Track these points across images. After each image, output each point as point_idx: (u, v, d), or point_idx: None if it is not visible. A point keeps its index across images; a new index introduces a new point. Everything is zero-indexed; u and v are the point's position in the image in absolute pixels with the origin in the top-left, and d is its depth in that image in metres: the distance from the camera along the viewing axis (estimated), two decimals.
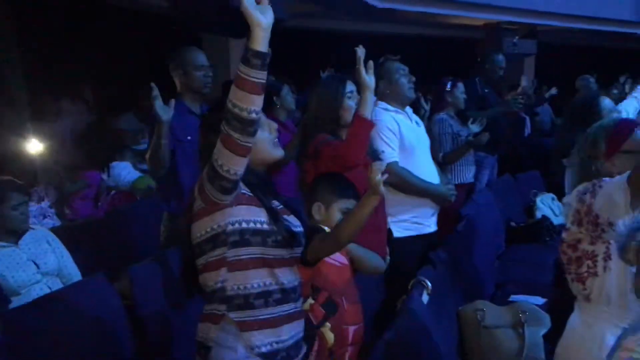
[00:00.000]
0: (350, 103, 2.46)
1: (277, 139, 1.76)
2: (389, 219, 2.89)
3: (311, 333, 1.87)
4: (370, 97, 2.37)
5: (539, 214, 4.46)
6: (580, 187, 1.87)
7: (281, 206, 1.76)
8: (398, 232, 2.90)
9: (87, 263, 2.92)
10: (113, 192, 4.00)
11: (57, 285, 2.55)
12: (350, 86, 2.49)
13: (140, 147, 4.93)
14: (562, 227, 4.39)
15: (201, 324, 1.68)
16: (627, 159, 1.84)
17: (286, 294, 1.68)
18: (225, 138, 1.52)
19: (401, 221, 2.92)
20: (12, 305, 2.39)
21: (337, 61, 5.43)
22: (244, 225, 1.63)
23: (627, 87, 5.89)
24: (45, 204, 3.46)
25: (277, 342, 1.65)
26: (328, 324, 1.93)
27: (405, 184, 2.90)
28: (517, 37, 6.16)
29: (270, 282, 1.65)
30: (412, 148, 2.94)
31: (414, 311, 2.18)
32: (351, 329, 1.99)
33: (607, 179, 1.81)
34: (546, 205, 4.53)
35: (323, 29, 6.47)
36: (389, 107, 3.00)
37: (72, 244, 2.86)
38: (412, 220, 2.95)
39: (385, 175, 1.68)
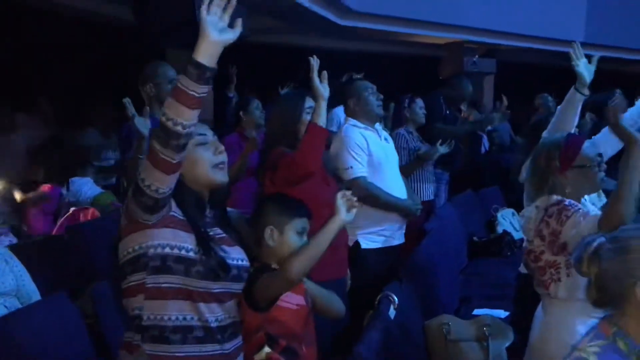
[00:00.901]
0: (309, 118, 2.47)
1: (222, 163, 1.61)
2: (357, 232, 2.93)
3: None
4: (323, 105, 2.38)
5: (500, 229, 4.56)
6: (540, 204, 1.96)
7: (224, 235, 1.62)
8: (366, 244, 2.96)
9: (47, 281, 2.83)
10: (73, 208, 3.90)
11: (15, 305, 2.45)
12: (309, 102, 2.52)
13: (103, 164, 4.85)
14: (523, 241, 4.50)
15: (120, 351, 1.56)
16: (579, 173, 1.97)
17: (210, 333, 1.53)
18: (151, 152, 1.42)
19: (369, 233, 2.99)
20: None
21: (304, 77, 5.47)
22: (167, 250, 1.48)
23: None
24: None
25: None
26: None
27: (372, 197, 2.96)
28: (477, 56, 6.34)
29: (191, 316, 1.51)
30: (379, 164, 3.02)
31: (382, 326, 2.20)
32: None
33: (570, 202, 1.90)
34: (507, 220, 4.64)
35: (291, 44, 6.52)
36: (358, 124, 3.08)
37: (31, 261, 2.77)
38: (380, 233, 3.02)
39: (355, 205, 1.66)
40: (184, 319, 1.51)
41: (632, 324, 1.25)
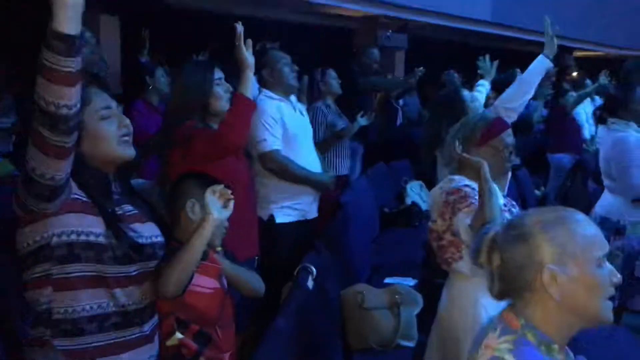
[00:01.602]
0: (219, 90, 2.37)
1: (127, 136, 1.51)
2: (272, 206, 2.94)
3: None
4: (250, 75, 2.30)
5: (408, 200, 4.74)
6: (443, 184, 2.06)
7: (135, 211, 1.53)
8: (280, 217, 2.97)
9: None
10: None
11: None
12: (218, 73, 2.39)
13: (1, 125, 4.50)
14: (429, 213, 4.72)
15: (27, 348, 1.46)
16: (491, 153, 2.05)
17: (129, 318, 1.46)
18: (34, 136, 1.26)
19: (284, 207, 2.99)
20: None
21: (213, 44, 5.32)
22: (73, 237, 1.39)
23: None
24: None
25: None
26: (201, 358, 1.73)
27: (286, 171, 2.96)
28: (390, 31, 6.45)
29: (107, 303, 1.43)
30: (294, 137, 3.01)
31: (300, 297, 2.24)
32: (226, 356, 1.81)
33: (466, 192, 1.94)
34: (415, 192, 4.83)
35: (202, 9, 6.30)
36: (273, 95, 3.03)
37: None
38: (294, 207, 3.03)
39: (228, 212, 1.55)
40: (99, 307, 1.43)
41: (538, 312, 1.18)
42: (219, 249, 1.87)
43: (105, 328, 1.44)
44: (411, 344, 2.67)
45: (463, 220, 1.88)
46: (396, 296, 2.70)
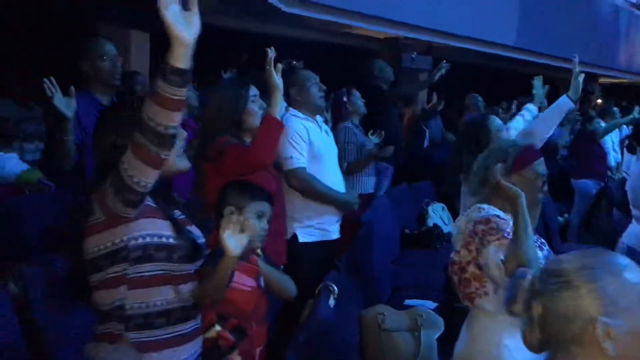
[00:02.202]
0: (254, 107, 2.46)
1: (184, 149, 1.69)
2: (295, 224, 2.95)
3: None
4: (279, 98, 2.41)
5: (430, 222, 4.72)
6: (471, 214, 1.95)
7: (182, 216, 1.68)
8: (303, 237, 2.98)
9: None
10: None
11: None
12: (253, 90, 2.49)
13: (27, 135, 4.58)
14: (451, 236, 4.68)
15: (94, 343, 1.57)
16: (523, 182, 1.95)
17: (188, 312, 1.62)
18: (138, 149, 1.42)
19: (307, 226, 3.00)
20: None
21: (241, 62, 5.39)
22: (148, 239, 1.54)
23: (513, 107, 6.41)
24: None
25: None
26: (237, 350, 1.89)
27: (310, 190, 2.98)
28: (415, 53, 6.48)
29: (173, 299, 1.58)
30: (320, 156, 3.03)
31: (322, 315, 2.24)
32: (257, 350, 1.97)
33: (496, 224, 1.84)
34: (437, 214, 4.81)
35: (228, 27, 6.40)
36: (299, 114, 3.07)
37: None
38: (317, 226, 3.03)
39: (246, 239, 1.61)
40: (167, 302, 1.57)
41: None
42: (259, 251, 2.03)
43: (172, 322, 1.57)
44: None
45: (494, 255, 1.78)
46: (417, 319, 2.68)
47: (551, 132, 2.92)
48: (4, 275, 2.51)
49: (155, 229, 1.55)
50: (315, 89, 3.10)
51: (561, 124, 4.21)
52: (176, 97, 1.38)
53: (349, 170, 3.99)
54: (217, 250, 1.70)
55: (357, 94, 4.25)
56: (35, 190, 3.69)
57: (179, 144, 1.64)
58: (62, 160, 2.67)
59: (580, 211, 6.08)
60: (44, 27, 5.51)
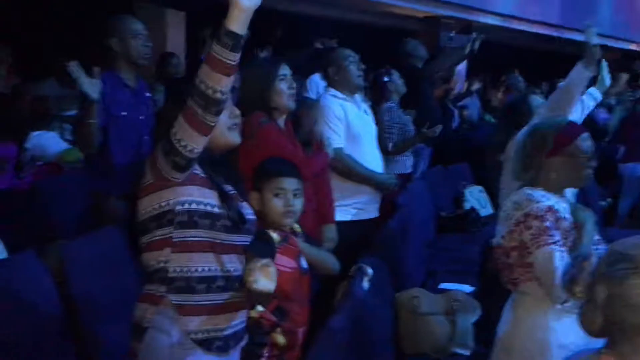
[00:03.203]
0: (283, 86, 2.40)
1: (236, 125, 1.69)
2: None
3: (263, 339, 1.88)
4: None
5: (467, 205, 4.64)
6: (518, 199, 1.89)
7: (234, 191, 1.70)
8: (339, 216, 2.95)
9: (9, 238, 2.75)
10: (40, 162, 3.76)
11: None
12: (284, 69, 2.43)
13: (67, 114, 4.67)
14: (489, 218, 4.58)
15: (139, 304, 1.62)
16: (567, 162, 1.90)
17: (230, 282, 1.63)
18: (188, 114, 1.47)
19: (343, 206, 2.96)
20: None
21: (276, 41, 5.36)
22: (194, 206, 1.57)
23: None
24: None
25: (214, 330, 1.60)
26: (279, 328, 1.91)
27: (348, 170, 2.95)
28: (454, 32, 6.33)
29: (215, 267, 1.60)
30: (358, 136, 3.00)
31: (357, 298, 2.21)
32: (300, 330, 1.98)
33: (551, 224, 1.80)
34: (474, 197, 4.72)
35: (264, 7, 6.38)
36: (338, 94, 3.03)
37: None
38: (354, 206, 3.01)
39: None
40: (209, 269, 1.59)
41: None
42: (299, 230, 2.04)
43: (212, 289, 1.60)
44: (467, 352, 2.60)
45: (544, 260, 1.75)
46: (453, 303, 2.64)
47: (573, 103, 2.72)
48: (44, 252, 2.57)
49: (201, 197, 1.58)
50: (354, 68, 3.05)
51: (611, 107, 4.04)
52: (227, 61, 1.41)
53: (395, 150, 3.92)
54: (260, 234, 1.74)
55: (396, 73, 4.19)
56: (74, 168, 3.76)
57: (232, 119, 1.66)
58: (86, 143, 2.68)
59: (628, 196, 5.89)
60: (84, 6, 5.58)
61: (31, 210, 3.28)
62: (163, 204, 1.57)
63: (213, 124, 1.49)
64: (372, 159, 3.07)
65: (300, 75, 5.27)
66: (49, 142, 3.99)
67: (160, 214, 1.57)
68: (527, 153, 1.95)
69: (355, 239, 2.91)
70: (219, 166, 1.69)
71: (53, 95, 4.66)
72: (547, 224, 1.79)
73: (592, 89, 3.17)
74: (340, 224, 2.94)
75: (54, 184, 3.56)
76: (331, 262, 2.11)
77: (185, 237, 1.57)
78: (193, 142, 1.49)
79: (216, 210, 1.60)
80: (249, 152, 2.28)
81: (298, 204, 1.99)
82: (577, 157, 1.90)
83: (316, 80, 5.09)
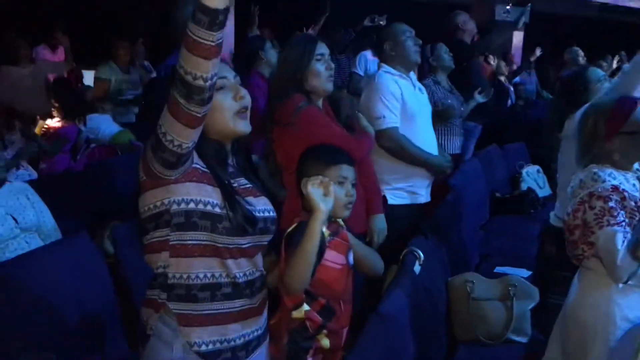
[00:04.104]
0: (319, 66, 2.26)
1: (244, 109, 1.49)
2: (384, 187, 2.84)
3: (308, 344, 1.77)
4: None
5: (524, 186, 4.47)
6: (584, 177, 1.85)
7: (249, 185, 1.54)
8: (392, 199, 2.87)
9: (65, 219, 2.81)
10: (93, 145, 3.84)
11: (35, 241, 2.44)
12: (321, 48, 2.28)
13: (124, 98, 4.76)
14: (547, 199, 4.40)
15: (144, 308, 1.50)
16: (628, 140, 1.82)
17: (238, 289, 1.47)
18: (171, 104, 1.29)
19: (396, 189, 2.88)
20: None
21: (321, 21, 5.27)
22: (192, 206, 1.39)
23: (614, 62, 5.87)
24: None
25: (221, 342, 1.45)
26: (325, 330, 1.79)
27: (402, 151, 2.84)
28: (510, 5, 6.06)
29: (219, 273, 1.44)
30: (413, 115, 2.87)
31: (408, 282, 2.15)
32: (344, 331, 1.86)
33: (615, 204, 1.76)
34: (531, 178, 4.54)
35: None
36: (393, 71, 2.91)
37: (49, 197, 2.74)
38: (407, 189, 2.91)
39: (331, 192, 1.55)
40: (212, 276, 1.44)
41: None
42: (342, 222, 1.88)
43: (217, 297, 1.45)
44: (524, 339, 2.50)
45: (607, 241, 1.72)
46: (510, 288, 2.53)
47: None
48: (98, 233, 2.62)
49: (200, 195, 1.41)
50: (411, 43, 2.92)
51: None
52: (204, 42, 1.21)
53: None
54: (296, 234, 1.63)
55: (443, 47, 3.99)
56: (127, 151, 3.82)
57: (238, 103, 1.48)
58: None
59: None
60: None
61: (86, 192, 3.35)
62: (158, 203, 1.40)
63: (199, 115, 1.30)
64: (427, 140, 2.93)
65: (351, 52, 5.18)
66: (102, 124, 4.08)
67: (156, 214, 1.41)
68: (584, 141, 1.90)
69: (409, 224, 2.82)
70: (235, 156, 1.54)
71: (113, 80, 4.77)
72: (611, 204, 1.75)
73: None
74: (395, 207, 2.86)
75: (108, 166, 3.62)
76: (379, 263, 1.97)
77: (184, 240, 1.41)
78: (180, 137, 1.31)
79: (217, 210, 1.41)
80: (290, 139, 2.19)
81: (355, 194, 1.86)
82: (637, 133, 1.81)
83: (366, 56, 4.98)
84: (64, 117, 3.78)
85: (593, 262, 1.83)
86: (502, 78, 6.24)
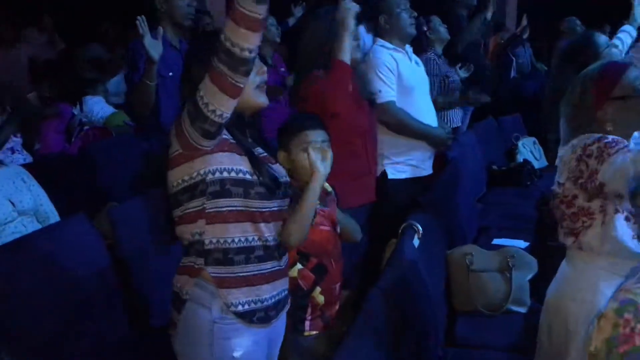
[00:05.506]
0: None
1: (263, 84, 1.59)
2: (385, 161, 2.83)
3: (303, 302, 1.89)
4: (346, 38, 2.25)
5: (520, 158, 4.47)
6: (577, 142, 1.73)
7: (266, 154, 1.64)
8: (392, 173, 2.86)
9: (62, 201, 2.80)
10: (87, 127, 3.81)
11: (33, 224, 2.42)
12: None
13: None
14: (543, 171, 4.39)
15: (178, 275, 1.58)
16: (620, 105, 1.69)
17: (270, 251, 1.57)
18: (214, 74, 1.37)
19: (396, 163, 2.87)
20: None
21: None
22: (225, 174, 1.49)
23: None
24: (15, 138, 3.25)
25: (255, 302, 1.55)
26: (318, 287, 1.93)
27: (401, 125, 2.82)
28: None
29: (253, 237, 1.54)
30: (410, 88, 2.85)
31: (406, 255, 2.15)
32: (337, 286, 2.01)
33: (613, 139, 1.65)
34: (527, 149, 4.54)
35: None
36: (388, 44, 2.89)
37: (45, 180, 2.73)
38: (408, 163, 2.90)
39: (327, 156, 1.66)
40: (247, 240, 1.53)
41: None
42: (329, 190, 2.03)
43: (251, 260, 1.54)
44: (523, 309, 2.52)
45: (616, 164, 1.57)
46: (508, 259, 2.54)
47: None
48: (95, 215, 2.61)
49: (232, 164, 1.50)
50: (406, 16, 2.89)
51: None
52: (253, 15, 1.31)
53: (436, 106, 3.78)
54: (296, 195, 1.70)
55: (437, 19, 3.97)
56: (121, 132, 3.80)
57: (258, 78, 1.55)
58: (143, 104, 2.69)
59: None
60: None
61: (81, 174, 3.34)
62: (194, 174, 1.48)
63: (242, 85, 1.39)
64: (426, 112, 2.91)
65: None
66: (95, 107, 4.03)
67: (192, 185, 1.49)
68: (574, 111, 1.76)
69: (410, 198, 2.81)
70: (248, 128, 1.62)
71: (99, 59, 4.70)
72: (607, 140, 1.63)
73: (626, 26, 2.98)
74: (395, 181, 2.86)
75: (103, 148, 3.60)
76: (356, 231, 2.16)
77: (219, 207, 1.50)
78: (222, 106, 1.39)
79: (248, 177, 1.51)
80: (319, 96, 2.26)
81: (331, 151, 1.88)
82: (629, 98, 1.68)
83: (360, 32, 4.92)
84: (58, 100, 3.74)
85: (589, 235, 1.72)
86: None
